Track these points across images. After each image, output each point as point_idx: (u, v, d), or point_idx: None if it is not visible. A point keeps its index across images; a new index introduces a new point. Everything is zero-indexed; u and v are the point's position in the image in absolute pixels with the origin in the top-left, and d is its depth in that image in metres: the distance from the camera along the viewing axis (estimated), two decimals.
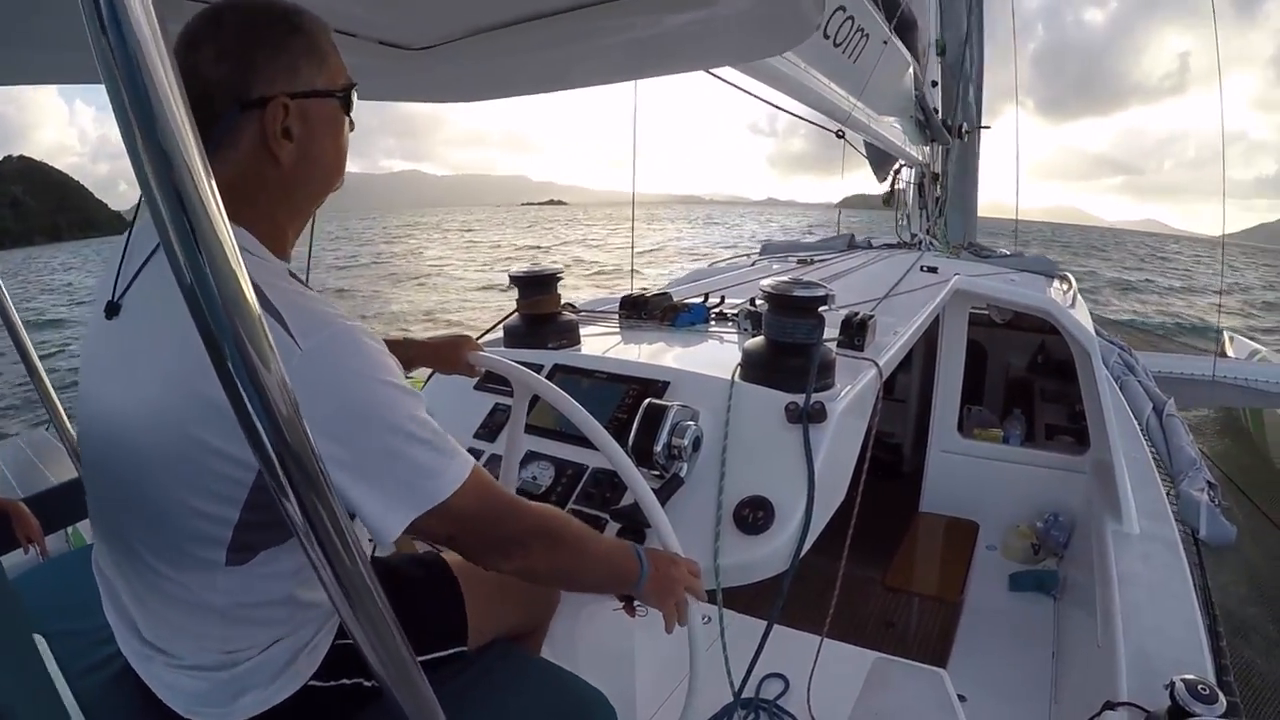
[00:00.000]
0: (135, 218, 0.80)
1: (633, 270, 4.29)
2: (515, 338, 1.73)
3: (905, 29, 3.42)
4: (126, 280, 0.77)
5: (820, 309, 1.32)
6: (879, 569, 1.60)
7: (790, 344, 1.33)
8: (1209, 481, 2.84)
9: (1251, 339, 8.01)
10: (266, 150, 0.74)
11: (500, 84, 1.77)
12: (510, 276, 1.73)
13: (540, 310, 1.72)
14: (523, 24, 1.37)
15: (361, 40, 1.30)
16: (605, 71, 1.70)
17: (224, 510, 0.71)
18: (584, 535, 0.91)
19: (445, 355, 1.27)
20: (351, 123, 0.83)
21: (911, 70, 3.91)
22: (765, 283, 1.36)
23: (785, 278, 1.43)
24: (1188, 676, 1.25)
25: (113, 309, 0.77)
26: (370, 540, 0.76)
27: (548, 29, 1.36)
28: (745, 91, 2.39)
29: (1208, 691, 1.21)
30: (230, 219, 0.44)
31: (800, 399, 1.26)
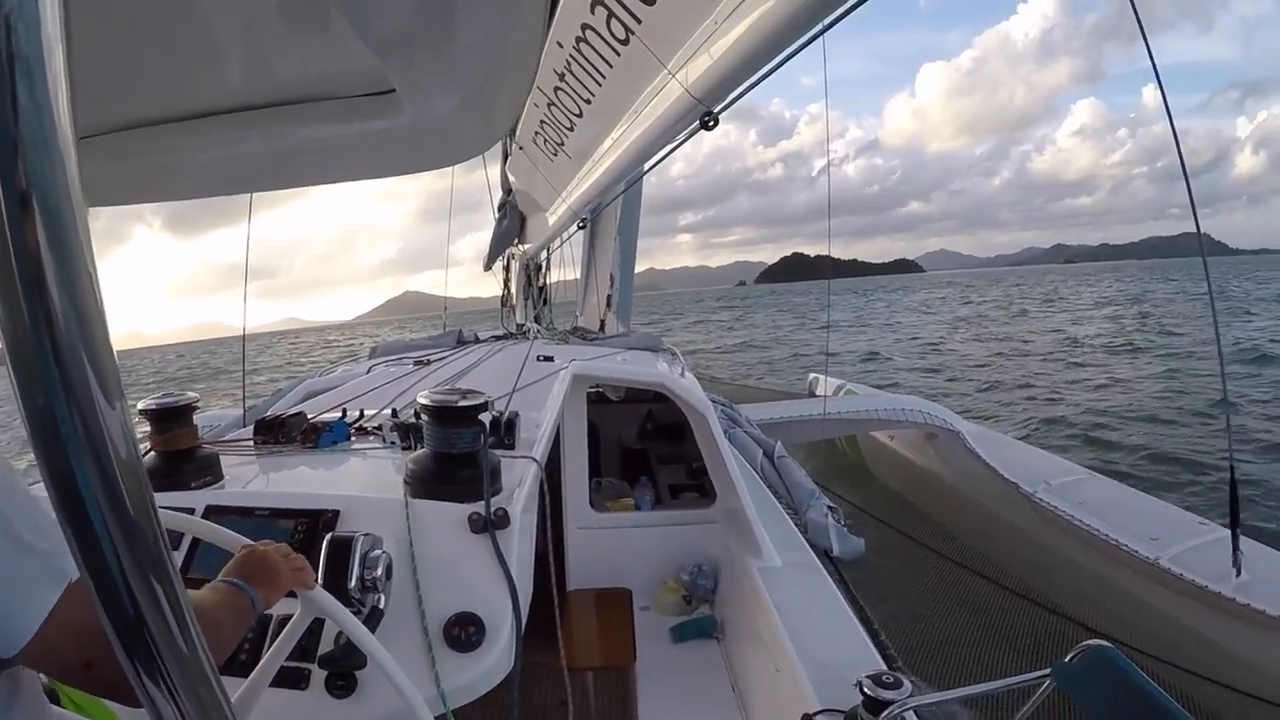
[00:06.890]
0: None
1: (244, 392, 3.70)
2: (153, 478, 1.49)
3: None
4: None
5: (480, 416, 1.37)
6: (548, 653, 1.68)
7: (457, 455, 1.36)
8: (829, 506, 3.33)
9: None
10: None
11: (152, 185, 1.59)
12: (140, 410, 1.51)
13: (178, 446, 1.54)
14: (185, 121, 1.24)
15: None
16: (273, 177, 1.61)
17: None
18: (212, 614, 0.81)
19: None
20: None
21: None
22: (423, 396, 1.37)
23: (441, 389, 1.46)
24: (869, 673, 1.39)
25: None
26: None
27: (211, 130, 1.25)
28: None
29: (892, 680, 1.37)
30: None
31: (478, 508, 1.30)
